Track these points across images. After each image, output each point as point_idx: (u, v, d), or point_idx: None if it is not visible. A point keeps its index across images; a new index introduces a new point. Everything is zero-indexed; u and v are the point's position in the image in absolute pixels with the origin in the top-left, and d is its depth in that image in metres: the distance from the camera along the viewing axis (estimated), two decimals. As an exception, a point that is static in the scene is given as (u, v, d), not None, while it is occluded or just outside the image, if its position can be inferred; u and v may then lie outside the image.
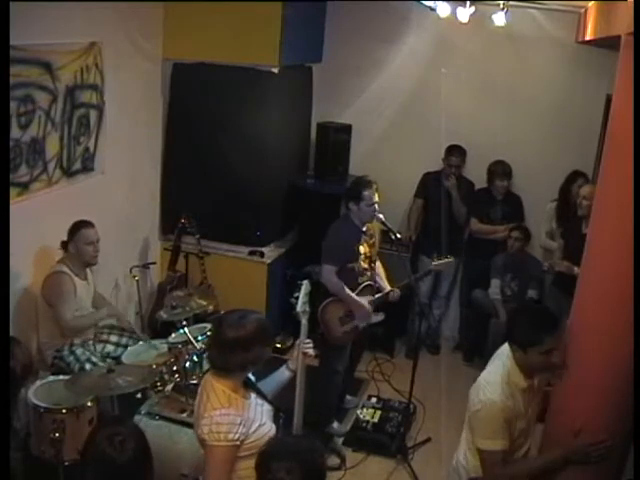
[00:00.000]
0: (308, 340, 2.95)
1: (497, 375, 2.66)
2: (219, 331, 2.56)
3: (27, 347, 2.46)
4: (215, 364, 2.59)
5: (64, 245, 4.08)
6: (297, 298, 3.00)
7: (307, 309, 3.00)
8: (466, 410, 2.76)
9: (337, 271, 4.21)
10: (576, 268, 4.45)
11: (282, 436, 2.67)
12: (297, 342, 2.97)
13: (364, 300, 4.32)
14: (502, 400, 2.58)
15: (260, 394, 2.71)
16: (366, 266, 4.35)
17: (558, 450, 2.62)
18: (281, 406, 2.84)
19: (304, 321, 2.98)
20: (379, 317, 4.49)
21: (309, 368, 3.01)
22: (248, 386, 2.67)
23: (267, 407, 2.71)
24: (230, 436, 2.45)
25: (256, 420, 2.57)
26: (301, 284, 3.05)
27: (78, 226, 4.05)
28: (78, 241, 4.03)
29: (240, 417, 2.50)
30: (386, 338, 5.56)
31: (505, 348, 2.72)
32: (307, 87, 5.93)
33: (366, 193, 4.16)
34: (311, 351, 2.93)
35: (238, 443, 2.48)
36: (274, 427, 2.68)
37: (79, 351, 4.01)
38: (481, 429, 2.63)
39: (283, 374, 2.95)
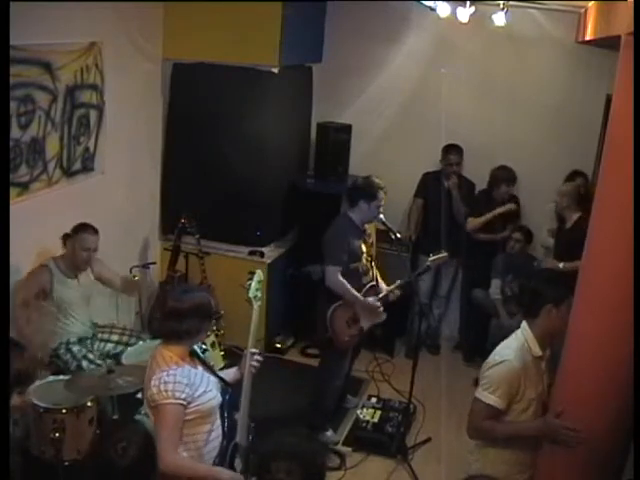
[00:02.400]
0: (257, 351, 3.08)
1: (513, 342, 2.79)
2: (163, 300, 2.78)
3: (29, 353, 2.44)
4: (152, 329, 2.76)
5: (65, 238, 4.08)
6: (250, 285, 3.17)
7: (259, 295, 3.18)
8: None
9: (342, 272, 4.19)
10: (561, 264, 4.52)
11: (282, 436, 2.68)
12: (245, 352, 3.08)
13: (371, 300, 4.31)
14: (515, 362, 2.70)
15: (206, 366, 2.89)
16: (368, 265, 4.35)
17: (535, 422, 2.74)
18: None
19: (255, 306, 3.14)
20: (382, 317, 4.47)
21: (310, 370, 3.07)
22: (195, 357, 2.85)
23: (214, 379, 2.87)
24: (177, 394, 2.61)
25: (201, 386, 2.73)
26: (254, 273, 3.23)
27: (81, 229, 4.04)
28: (75, 242, 4.03)
29: (186, 378, 2.66)
30: (386, 338, 5.56)
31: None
32: (307, 87, 5.93)
33: (380, 194, 4.18)
34: (257, 363, 3.05)
35: (185, 403, 2.63)
36: (220, 397, 2.84)
37: (75, 349, 4.01)
38: (485, 381, 2.74)
39: (228, 375, 3.07)
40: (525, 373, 2.71)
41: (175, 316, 2.74)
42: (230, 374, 3.09)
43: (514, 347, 2.75)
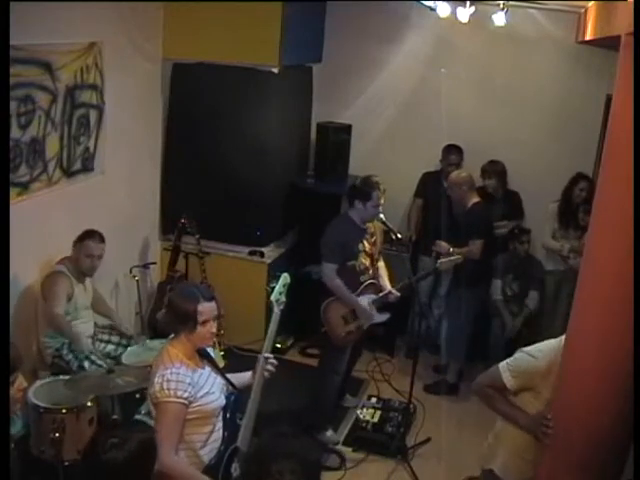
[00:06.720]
0: (271, 356, 3.07)
1: (554, 343, 2.79)
2: (169, 295, 2.83)
3: (12, 342, 2.47)
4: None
5: (74, 244, 4.10)
6: (273, 288, 3.12)
7: (282, 299, 3.12)
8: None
9: (338, 269, 4.20)
10: (451, 248, 4.72)
11: (275, 436, 2.68)
12: (259, 357, 3.06)
13: (365, 299, 4.31)
14: (542, 362, 2.73)
15: (214, 366, 2.86)
16: (367, 264, 4.34)
17: (526, 414, 2.79)
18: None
19: (277, 310, 3.12)
20: (384, 317, 4.44)
21: (310, 370, 3.05)
22: (203, 357, 2.82)
23: (220, 380, 2.85)
24: (179, 393, 2.60)
25: (205, 387, 2.71)
26: (279, 275, 3.15)
27: (86, 236, 4.08)
28: (80, 249, 4.07)
29: (189, 377, 2.64)
30: (386, 338, 5.55)
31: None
32: (307, 87, 5.93)
33: (375, 194, 4.17)
34: (272, 368, 3.04)
35: (187, 402, 2.61)
36: (223, 399, 2.81)
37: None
38: (513, 361, 2.82)
39: (244, 378, 3.04)
40: (549, 375, 2.72)
41: (166, 306, 2.80)
42: (244, 378, 3.05)
43: (550, 348, 2.77)
